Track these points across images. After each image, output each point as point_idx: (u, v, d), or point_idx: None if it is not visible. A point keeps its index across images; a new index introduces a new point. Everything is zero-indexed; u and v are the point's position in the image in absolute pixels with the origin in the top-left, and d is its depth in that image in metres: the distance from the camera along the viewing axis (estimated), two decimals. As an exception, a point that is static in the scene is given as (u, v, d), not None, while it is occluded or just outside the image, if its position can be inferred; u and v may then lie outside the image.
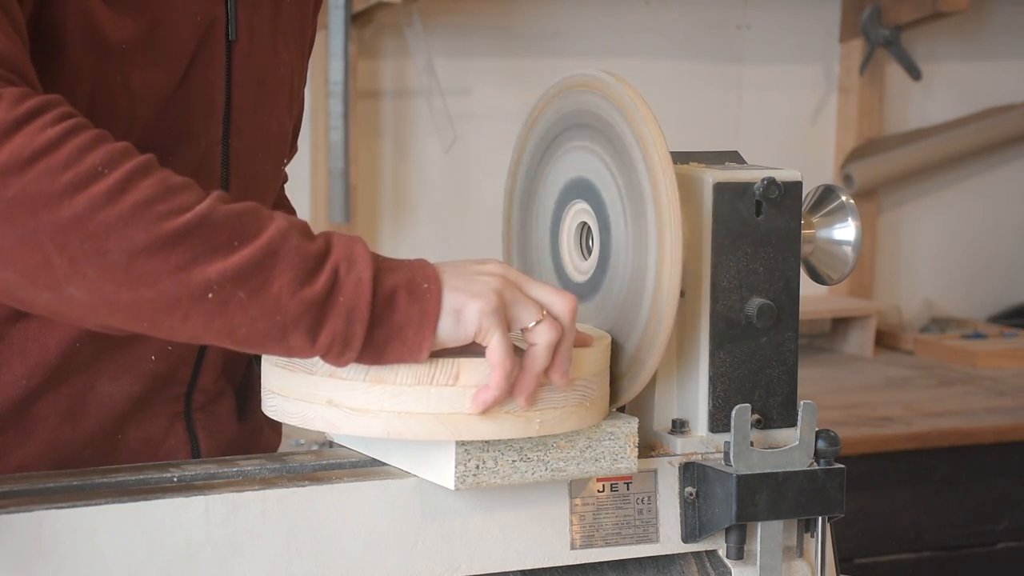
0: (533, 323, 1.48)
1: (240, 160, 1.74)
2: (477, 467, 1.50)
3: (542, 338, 1.48)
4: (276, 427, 1.93)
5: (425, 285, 1.47)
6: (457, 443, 1.49)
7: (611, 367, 1.60)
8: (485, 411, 1.47)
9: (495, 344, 1.47)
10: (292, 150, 1.95)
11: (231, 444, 1.82)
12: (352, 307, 1.45)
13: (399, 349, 1.47)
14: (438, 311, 1.47)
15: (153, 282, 1.42)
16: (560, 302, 1.50)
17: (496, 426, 1.48)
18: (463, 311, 1.47)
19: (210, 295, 1.42)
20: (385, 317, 1.46)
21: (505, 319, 1.48)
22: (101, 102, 1.60)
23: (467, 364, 1.48)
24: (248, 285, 1.43)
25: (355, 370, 1.49)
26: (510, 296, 1.49)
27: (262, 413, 1.77)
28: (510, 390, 1.48)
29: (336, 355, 1.46)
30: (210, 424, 1.81)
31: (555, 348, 1.48)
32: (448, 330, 1.47)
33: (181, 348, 1.74)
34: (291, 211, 2.02)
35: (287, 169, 2.00)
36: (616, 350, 1.61)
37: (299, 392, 1.53)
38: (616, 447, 1.55)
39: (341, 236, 1.49)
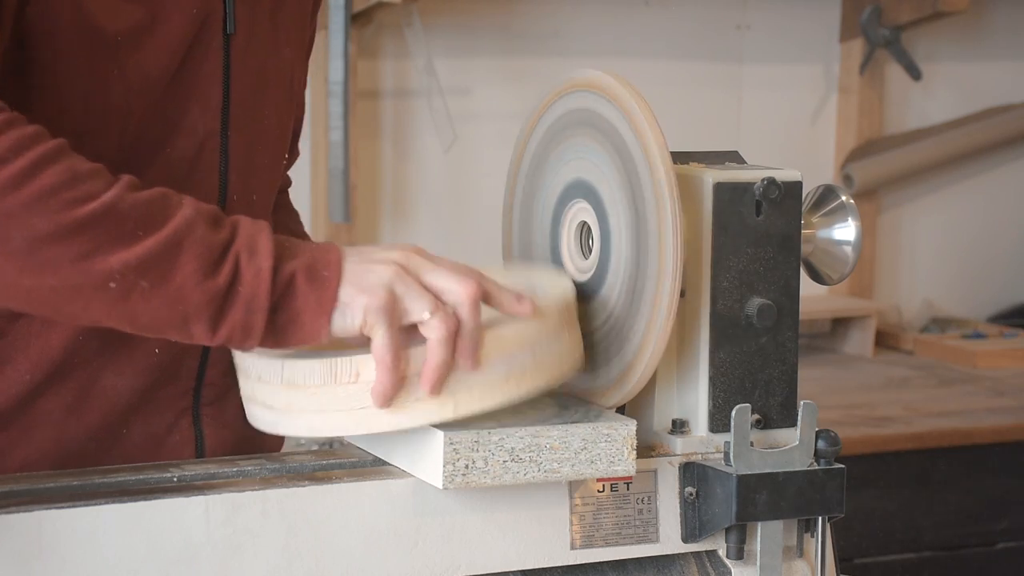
0: (425, 316, 1.48)
1: (238, 154, 1.74)
2: (467, 467, 1.50)
3: (433, 333, 1.47)
4: None
5: (325, 273, 1.49)
6: (445, 442, 1.49)
7: (610, 368, 1.60)
8: (385, 404, 1.48)
9: (377, 341, 1.47)
10: (293, 153, 1.95)
11: (236, 442, 1.82)
12: (252, 297, 1.47)
13: (298, 334, 1.49)
14: (334, 300, 1.48)
15: (55, 270, 1.43)
16: (459, 290, 1.49)
17: (406, 416, 1.49)
18: (350, 305, 1.48)
19: (112, 284, 1.44)
20: (284, 303, 1.48)
21: (393, 314, 1.48)
22: (96, 94, 1.61)
23: (365, 361, 1.49)
24: (151, 275, 1.45)
25: (271, 372, 1.52)
26: (402, 289, 1.48)
27: None
28: (401, 382, 1.48)
29: (238, 343, 1.49)
30: (217, 420, 1.81)
31: (454, 338, 1.48)
32: (339, 322, 1.49)
33: (184, 344, 1.75)
34: (295, 217, 2.02)
35: (289, 173, 2.00)
36: (616, 350, 1.61)
37: (244, 392, 1.58)
38: (613, 449, 1.55)
39: (247, 223, 1.50)
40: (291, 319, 1.48)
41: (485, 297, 1.51)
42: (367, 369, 1.49)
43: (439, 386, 1.48)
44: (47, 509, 1.43)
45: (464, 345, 1.48)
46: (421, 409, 1.49)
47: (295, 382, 1.51)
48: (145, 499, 1.46)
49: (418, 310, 1.48)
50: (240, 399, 1.78)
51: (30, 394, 1.69)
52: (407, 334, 1.50)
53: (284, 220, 1.97)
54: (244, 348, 1.50)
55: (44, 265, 1.43)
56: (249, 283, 1.46)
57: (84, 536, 1.43)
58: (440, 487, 1.49)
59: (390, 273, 1.49)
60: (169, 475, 1.55)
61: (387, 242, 1.53)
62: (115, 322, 1.47)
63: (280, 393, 1.53)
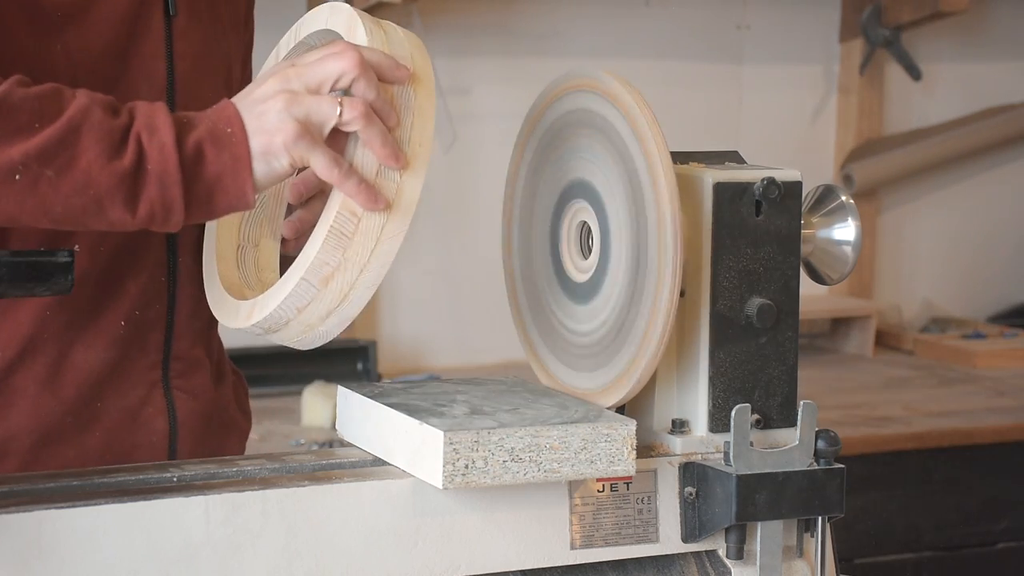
0: (336, 112, 1.50)
1: None
2: (466, 467, 1.50)
3: (352, 119, 1.50)
4: (244, 409, 1.96)
5: (228, 130, 1.51)
6: (445, 442, 1.49)
7: (610, 368, 1.60)
8: (378, 205, 1.51)
9: (316, 163, 1.50)
10: None
11: (207, 412, 1.84)
12: (162, 172, 1.49)
13: (225, 199, 1.51)
14: (248, 152, 1.51)
15: None
16: (344, 67, 1.51)
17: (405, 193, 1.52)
18: (269, 150, 1.51)
19: (17, 176, 1.48)
20: (198, 173, 1.50)
21: (312, 134, 1.50)
22: (41, 71, 1.62)
23: (262, 300, 1.56)
24: (55, 163, 1.48)
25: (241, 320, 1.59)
26: (301, 109, 1.51)
27: (229, 389, 1.79)
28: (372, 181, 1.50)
29: (161, 221, 1.51)
30: (187, 392, 1.83)
31: (372, 111, 1.50)
32: (262, 171, 1.51)
33: (149, 313, 1.77)
34: None
35: None
36: (616, 350, 1.61)
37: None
38: (613, 449, 1.55)
39: (144, 106, 1.53)
40: (212, 185, 1.51)
41: (365, 65, 1.52)
42: (267, 299, 1.54)
43: (398, 153, 1.52)
44: (47, 509, 1.43)
45: (382, 109, 1.51)
46: (409, 183, 1.53)
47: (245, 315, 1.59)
48: (145, 499, 1.46)
49: (327, 113, 1.50)
50: (207, 373, 1.82)
51: (4, 371, 1.72)
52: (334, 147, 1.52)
53: None
54: (170, 226, 1.52)
55: None
56: (156, 159, 1.49)
57: (84, 536, 1.43)
58: (440, 487, 1.49)
59: (281, 102, 1.51)
60: (169, 475, 1.55)
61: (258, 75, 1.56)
62: (31, 216, 1.50)
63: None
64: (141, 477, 1.54)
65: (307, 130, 1.50)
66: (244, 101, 1.53)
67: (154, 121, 1.51)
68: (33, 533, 1.42)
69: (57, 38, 1.66)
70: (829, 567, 1.66)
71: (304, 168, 1.54)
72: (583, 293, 1.66)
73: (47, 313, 1.71)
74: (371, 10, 3.71)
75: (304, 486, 1.51)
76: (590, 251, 1.67)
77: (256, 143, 1.51)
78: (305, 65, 1.53)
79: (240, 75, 1.90)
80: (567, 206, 1.69)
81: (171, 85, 1.75)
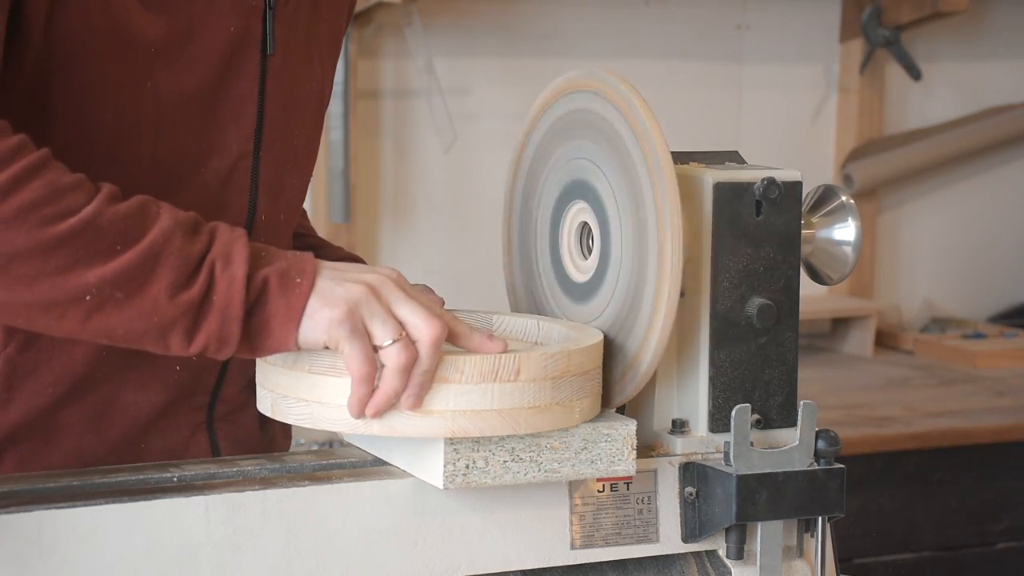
0: (388, 342, 1.47)
1: (269, 175, 1.73)
2: (467, 467, 1.50)
3: (390, 361, 1.46)
4: (286, 430, 1.93)
5: (298, 279, 1.48)
6: (446, 442, 1.49)
7: (610, 367, 1.60)
8: (357, 414, 1.48)
9: (347, 352, 1.46)
10: None
11: (251, 453, 1.81)
12: (226, 306, 1.46)
13: (268, 341, 1.48)
14: (303, 306, 1.47)
15: (31, 284, 1.43)
16: (424, 327, 1.47)
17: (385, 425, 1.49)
18: (316, 316, 1.47)
19: (88, 297, 1.44)
20: (256, 308, 1.47)
21: (359, 330, 1.46)
22: (127, 106, 1.60)
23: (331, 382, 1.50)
24: (126, 288, 1.44)
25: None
26: (368, 311, 1.47)
27: (277, 430, 1.77)
28: (370, 393, 1.47)
29: (213, 352, 1.48)
30: (232, 434, 1.81)
31: (409, 371, 1.47)
32: (305, 332, 1.48)
33: (205, 359, 1.75)
34: (309, 229, 2.00)
35: None
36: (615, 350, 1.61)
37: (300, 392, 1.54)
38: (613, 449, 1.55)
39: (225, 231, 1.49)
40: (262, 325, 1.47)
41: (453, 337, 1.50)
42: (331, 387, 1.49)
43: (381, 414, 1.48)
44: (47, 509, 1.43)
45: (415, 383, 1.47)
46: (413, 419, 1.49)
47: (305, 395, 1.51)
48: (145, 499, 1.46)
49: (380, 335, 1.47)
50: (254, 414, 1.78)
51: (52, 407, 1.69)
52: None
53: (317, 243, 1.96)
54: (220, 356, 1.49)
55: (19, 280, 1.42)
56: (223, 292, 1.46)
57: (84, 536, 1.43)
58: (441, 487, 1.49)
59: (359, 292, 1.48)
60: (169, 475, 1.55)
61: (370, 265, 1.52)
62: (91, 335, 1.46)
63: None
64: (141, 477, 1.54)
65: (355, 325, 1.46)
66: (337, 269, 1.50)
67: (231, 252, 1.47)
68: (33, 533, 1.42)
69: (147, 75, 1.60)
70: (829, 567, 1.66)
71: None
72: (583, 293, 1.66)
73: (103, 353, 1.68)
74: (371, 10, 3.71)
75: (304, 486, 1.51)
76: (590, 251, 1.67)
77: (312, 303, 1.47)
78: (409, 293, 1.50)
79: (328, 97, 1.86)
80: (567, 206, 1.69)
81: (259, 129, 1.70)
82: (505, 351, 1.50)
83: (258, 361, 1.56)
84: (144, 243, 1.45)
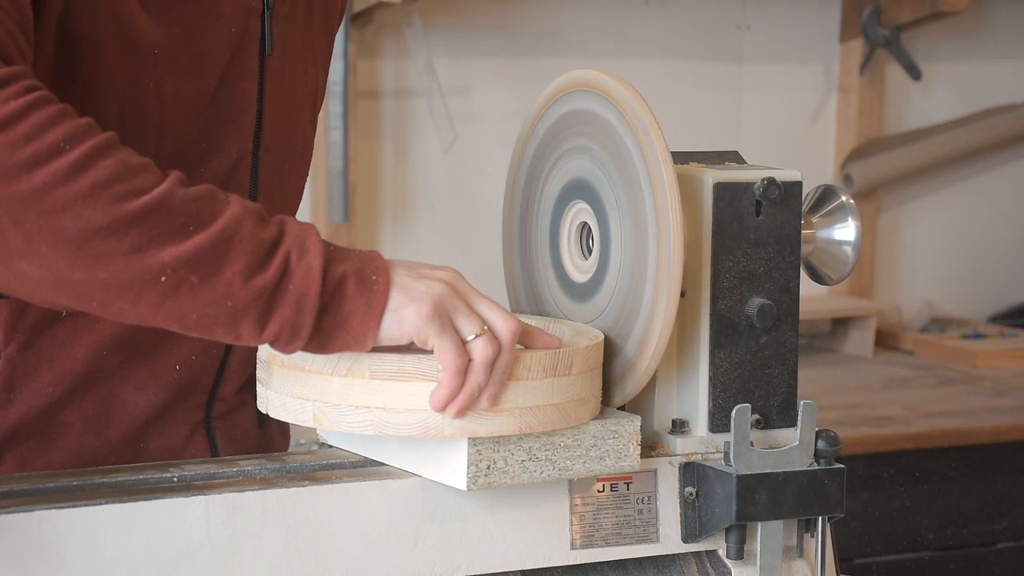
0: (472, 336, 1.48)
1: (268, 174, 1.74)
2: (488, 467, 1.50)
3: (478, 354, 1.47)
4: (285, 430, 1.93)
5: (374, 277, 1.48)
6: (469, 443, 1.49)
7: (610, 367, 1.60)
8: (443, 408, 1.48)
9: (440, 346, 1.47)
10: None
11: (250, 453, 1.81)
12: (302, 295, 1.45)
13: (344, 338, 1.47)
14: (384, 304, 1.47)
15: (107, 263, 1.41)
16: (502, 323, 1.49)
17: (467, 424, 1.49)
18: (401, 311, 1.47)
19: (163, 279, 1.42)
20: (333, 305, 1.47)
21: (448, 324, 1.47)
22: (131, 107, 1.60)
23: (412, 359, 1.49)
24: (201, 270, 1.43)
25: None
26: (452, 305, 1.48)
27: (274, 430, 1.77)
28: (461, 387, 1.48)
29: (284, 343, 1.47)
30: (230, 433, 1.81)
31: (491, 365, 1.48)
32: (388, 327, 1.48)
33: (205, 358, 1.75)
34: None
35: None
36: (615, 350, 1.61)
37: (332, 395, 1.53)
38: (620, 445, 1.56)
39: (295, 223, 1.49)
40: (339, 322, 1.47)
41: (523, 337, 1.52)
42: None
43: (464, 412, 1.48)
44: (47, 509, 1.43)
45: (495, 380, 1.48)
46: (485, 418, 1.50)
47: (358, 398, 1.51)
48: (145, 499, 1.46)
49: (466, 329, 1.48)
50: (252, 413, 1.78)
51: (52, 407, 1.69)
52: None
53: None
54: (289, 349, 1.47)
55: (97, 258, 1.41)
56: (300, 281, 1.45)
57: (84, 536, 1.43)
58: (464, 488, 1.49)
59: (440, 288, 1.49)
60: (169, 475, 1.55)
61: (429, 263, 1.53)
62: (163, 319, 1.45)
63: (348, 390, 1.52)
64: (141, 477, 1.54)
65: (443, 318, 1.47)
66: (408, 266, 1.51)
67: (306, 242, 1.47)
68: (33, 533, 1.42)
69: (150, 76, 1.60)
70: (829, 567, 1.66)
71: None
72: (583, 293, 1.66)
73: (104, 353, 1.68)
74: (371, 10, 3.72)
75: (304, 486, 1.51)
76: (590, 251, 1.67)
77: (395, 299, 1.47)
78: (480, 293, 1.52)
79: (322, 96, 1.86)
80: (567, 206, 1.69)
81: (259, 128, 1.71)
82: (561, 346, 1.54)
83: (290, 370, 1.54)
84: (217, 225, 1.44)
